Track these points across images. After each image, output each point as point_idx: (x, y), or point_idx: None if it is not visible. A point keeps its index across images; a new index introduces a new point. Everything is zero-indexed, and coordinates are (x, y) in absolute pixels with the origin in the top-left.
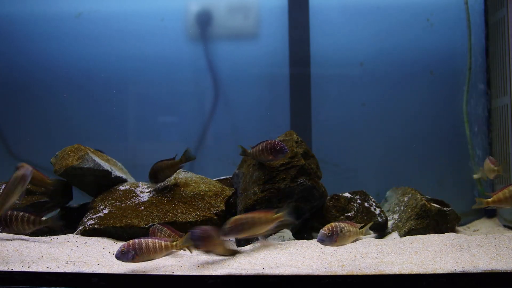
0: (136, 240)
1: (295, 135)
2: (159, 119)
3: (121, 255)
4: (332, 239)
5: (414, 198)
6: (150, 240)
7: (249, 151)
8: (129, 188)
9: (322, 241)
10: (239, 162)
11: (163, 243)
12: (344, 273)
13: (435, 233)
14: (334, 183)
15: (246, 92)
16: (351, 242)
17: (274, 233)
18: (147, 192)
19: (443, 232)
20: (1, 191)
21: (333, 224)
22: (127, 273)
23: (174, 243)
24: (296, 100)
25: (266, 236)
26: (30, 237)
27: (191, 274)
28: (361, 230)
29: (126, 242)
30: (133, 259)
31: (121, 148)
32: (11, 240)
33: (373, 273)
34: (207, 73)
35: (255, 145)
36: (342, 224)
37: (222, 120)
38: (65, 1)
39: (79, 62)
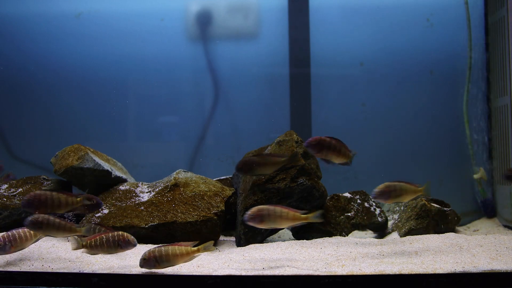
0: (9, 233)
1: (295, 135)
2: (159, 119)
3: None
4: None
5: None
6: (20, 230)
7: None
8: (129, 188)
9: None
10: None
11: (32, 232)
12: (344, 273)
13: (435, 233)
14: (334, 183)
15: (246, 92)
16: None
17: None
18: (147, 192)
19: (443, 232)
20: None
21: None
22: (127, 273)
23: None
24: (296, 100)
25: (267, 236)
26: None
27: (191, 274)
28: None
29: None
30: (10, 250)
31: (121, 148)
32: None
33: (373, 273)
34: (207, 73)
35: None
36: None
37: (222, 120)
38: (65, 1)
39: (79, 61)
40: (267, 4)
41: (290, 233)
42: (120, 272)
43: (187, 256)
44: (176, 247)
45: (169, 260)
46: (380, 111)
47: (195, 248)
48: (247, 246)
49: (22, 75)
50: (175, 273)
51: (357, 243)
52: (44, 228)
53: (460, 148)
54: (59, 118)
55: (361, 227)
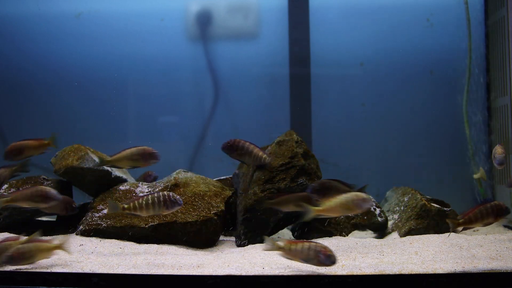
0: None
1: (295, 135)
2: (159, 119)
3: None
4: None
5: (414, 198)
6: None
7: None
8: (129, 188)
9: None
10: (239, 162)
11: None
12: (344, 273)
13: (435, 233)
14: None
15: (246, 92)
16: None
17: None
18: (147, 192)
19: (443, 232)
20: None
21: None
22: (127, 273)
23: None
24: (296, 100)
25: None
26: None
27: (191, 274)
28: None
29: None
30: None
31: (121, 148)
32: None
33: (373, 273)
34: (207, 73)
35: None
36: None
37: (222, 120)
38: (65, 1)
39: (79, 61)
40: (267, 4)
41: (290, 233)
42: (120, 272)
43: (48, 252)
44: (38, 244)
45: (33, 255)
46: (380, 111)
47: (53, 245)
48: (247, 246)
49: (22, 75)
50: (175, 273)
51: (357, 243)
52: None
53: (460, 148)
54: (59, 118)
55: (361, 227)
